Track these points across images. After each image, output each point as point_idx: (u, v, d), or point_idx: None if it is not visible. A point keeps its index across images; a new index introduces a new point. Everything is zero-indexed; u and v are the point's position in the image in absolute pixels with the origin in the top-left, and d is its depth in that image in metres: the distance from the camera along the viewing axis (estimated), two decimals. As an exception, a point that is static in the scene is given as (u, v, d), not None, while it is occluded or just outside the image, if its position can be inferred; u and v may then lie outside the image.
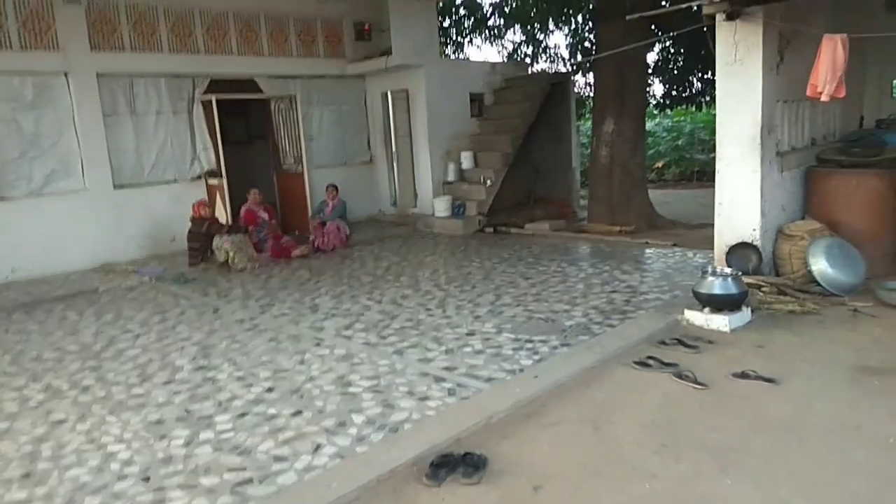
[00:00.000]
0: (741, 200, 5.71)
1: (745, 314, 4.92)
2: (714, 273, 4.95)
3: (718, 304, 4.87)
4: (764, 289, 5.35)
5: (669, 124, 18.59)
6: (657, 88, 15.25)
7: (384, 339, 5.18)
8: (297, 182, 10.47)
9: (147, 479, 3.27)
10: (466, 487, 2.96)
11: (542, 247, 8.74)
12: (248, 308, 6.43)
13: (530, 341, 4.90)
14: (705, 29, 5.86)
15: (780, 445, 3.19)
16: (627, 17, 6.12)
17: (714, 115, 5.98)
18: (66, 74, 8.46)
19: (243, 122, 12.23)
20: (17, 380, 4.80)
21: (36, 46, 8.21)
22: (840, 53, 4.90)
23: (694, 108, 15.96)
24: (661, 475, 2.99)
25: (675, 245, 8.22)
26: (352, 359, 4.77)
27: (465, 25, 17.71)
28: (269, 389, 4.30)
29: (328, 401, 4.05)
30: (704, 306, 4.94)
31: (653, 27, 9.97)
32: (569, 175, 11.84)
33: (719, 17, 5.50)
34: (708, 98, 14.41)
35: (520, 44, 17.69)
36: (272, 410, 3.96)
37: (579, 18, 16.08)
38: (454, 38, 17.80)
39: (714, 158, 5.90)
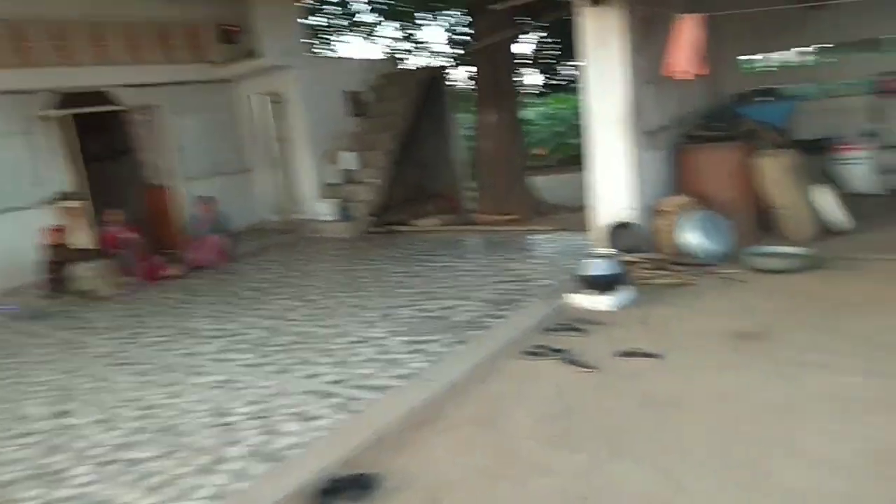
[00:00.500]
0: (615, 181, 5.82)
1: (627, 292, 5.00)
2: (594, 255, 5.00)
3: (601, 284, 4.92)
4: (644, 265, 5.48)
5: (549, 112, 19.09)
6: (536, 77, 15.63)
7: (267, 359, 4.85)
8: (166, 197, 9.78)
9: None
10: (357, 512, 2.76)
11: (433, 243, 8.63)
12: (113, 340, 5.87)
13: (424, 342, 4.75)
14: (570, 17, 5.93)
15: (671, 423, 3.20)
16: (490, 6, 6.08)
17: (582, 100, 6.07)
18: None
19: (105, 137, 11.29)
20: None
21: None
22: (697, 33, 5.07)
23: (570, 95, 16.47)
24: (560, 469, 2.92)
25: (561, 229, 8.35)
26: (231, 384, 4.41)
27: (338, 23, 17.33)
28: (136, 430, 3.88)
29: (203, 436, 3.69)
30: (589, 288, 4.98)
31: (522, 19, 10.09)
32: (453, 168, 11.81)
33: (584, 4, 5.57)
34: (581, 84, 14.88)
35: (396, 39, 17.53)
36: (139, 454, 3.57)
37: (455, 12, 16.14)
38: (328, 36, 17.38)
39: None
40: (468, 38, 15.45)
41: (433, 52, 17.41)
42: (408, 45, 17.30)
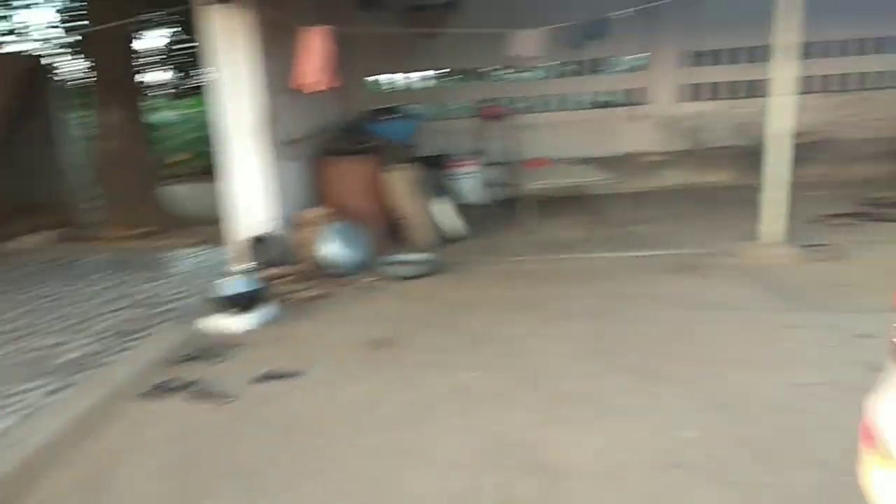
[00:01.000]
0: (252, 192, 5.58)
1: (268, 310, 4.81)
2: (233, 271, 4.68)
3: (239, 303, 4.63)
4: (285, 279, 5.35)
5: (183, 115, 17.81)
6: (168, 76, 14.37)
7: None
8: None
9: None
10: None
11: (39, 264, 7.21)
12: None
13: (13, 395, 3.83)
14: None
15: (310, 446, 3.09)
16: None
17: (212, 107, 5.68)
18: None
19: None
20: None
21: None
22: (324, 46, 5.11)
23: (203, 99, 15.57)
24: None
25: (201, 243, 7.75)
26: None
27: None
28: None
29: None
30: (226, 308, 4.64)
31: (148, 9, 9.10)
32: (67, 175, 10.12)
33: (208, 2, 5.18)
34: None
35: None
36: None
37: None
38: None
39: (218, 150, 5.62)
40: (83, 23, 13.47)
41: (38, 38, 14.75)
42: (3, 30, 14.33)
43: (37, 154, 9.84)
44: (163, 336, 4.55)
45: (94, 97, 8.90)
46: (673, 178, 8.60)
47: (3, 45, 14.07)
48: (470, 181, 8.16)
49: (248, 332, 4.55)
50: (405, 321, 4.62)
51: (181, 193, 10.42)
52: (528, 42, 5.70)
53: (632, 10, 5.68)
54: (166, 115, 15.80)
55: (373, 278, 5.58)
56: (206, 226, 8.87)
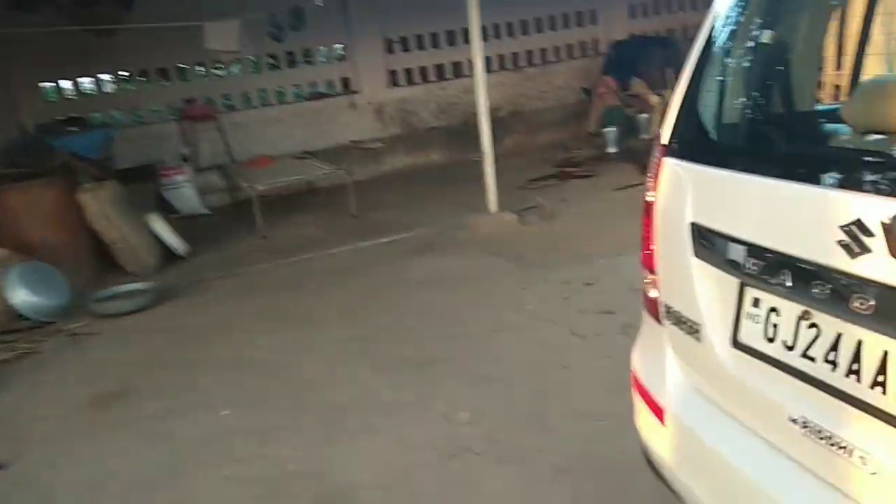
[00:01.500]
0: None
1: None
2: None
3: None
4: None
5: None
6: None
7: None
8: None
9: None
10: None
11: None
12: None
13: None
14: None
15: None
16: None
17: None
18: None
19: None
20: None
21: None
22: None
23: None
24: None
25: None
26: None
27: None
28: None
29: None
30: None
31: None
32: None
33: None
34: None
35: None
36: None
37: None
38: None
39: None
40: None
41: None
42: None
43: None
44: None
45: None
46: (394, 162, 8.79)
47: None
48: (184, 190, 7.36)
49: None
50: (136, 365, 3.96)
51: None
52: (223, 34, 5.23)
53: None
54: None
55: (83, 322, 4.69)
56: None
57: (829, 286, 1.07)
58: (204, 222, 7.13)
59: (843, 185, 1.06)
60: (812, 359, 1.13)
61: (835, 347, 1.11)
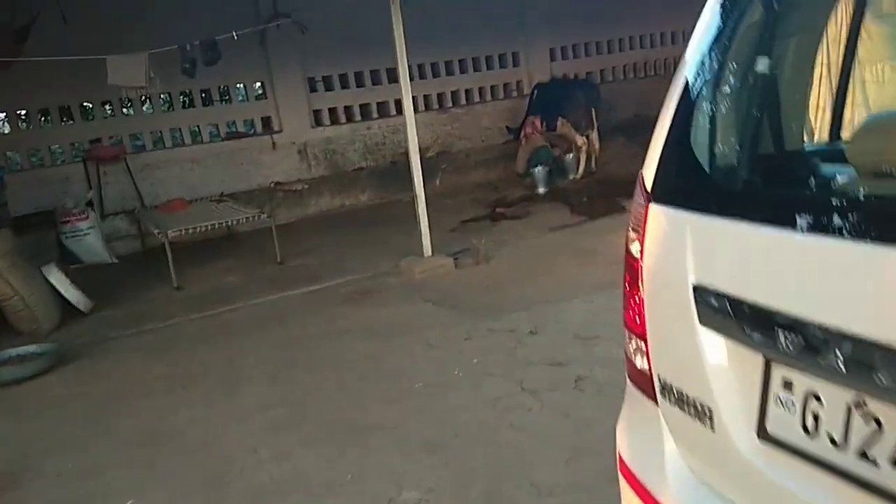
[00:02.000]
0: None
1: None
2: None
3: None
4: None
5: None
6: None
7: None
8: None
9: None
10: None
11: None
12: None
13: None
14: None
15: None
16: None
17: None
18: None
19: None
20: None
21: None
22: None
23: None
24: None
25: None
26: None
27: None
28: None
29: None
30: None
31: None
32: None
33: None
34: None
35: None
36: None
37: None
38: None
39: None
40: None
41: None
42: None
43: None
44: None
45: None
46: (320, 204, 8.44)
47: None
48: (88, 238, 6.74)
49: None
50: (24, 444, 3.41)
51: None
52: (128, 69, 4.81)
53: (236, 33, 5.18)
54: None
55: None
56: None
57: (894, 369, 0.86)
58: (111, 273, 6.54)
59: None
60: (873, 461, 0.91)
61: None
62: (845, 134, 1.34)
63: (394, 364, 3.78)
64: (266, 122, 8.39)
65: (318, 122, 8.58)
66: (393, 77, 8.59)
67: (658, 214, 1.29)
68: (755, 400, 1.08)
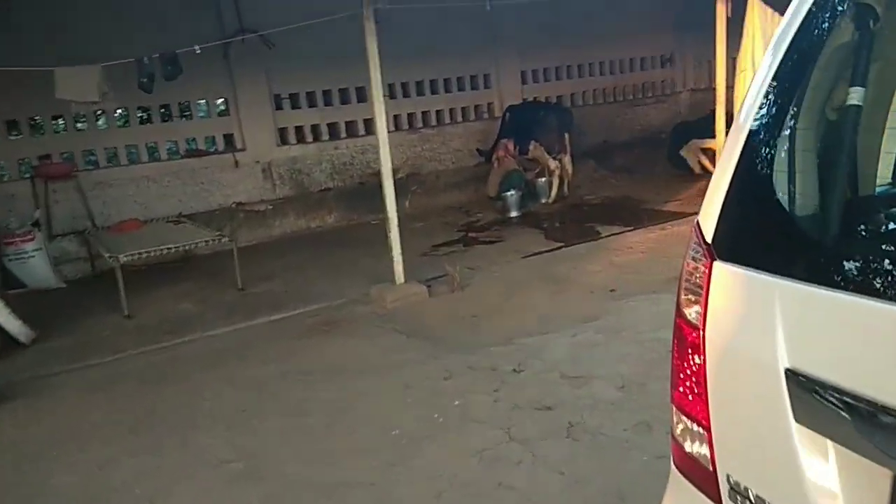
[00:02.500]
0: None
1: None
2: None
3: None
4: None
5: None
6: None
7: None
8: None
9: None
10: None
11: None
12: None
13: None
14: None
15: None
16: None
17: None
18: None
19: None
20: None
21: None
22: None
23: None
24: None
25: None
26: None
27: None
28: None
29: None
30: None
31: None
32: None
33: None
34: None
35: None
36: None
37: None
38: None
39: None
40: None
41: None
42: None
43: None
44: None
45: None
46: (284, 226, 8.07)
47: None
48: (34, 260, 6.27)
49: None
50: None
51: None
52: (79, 82, 4.44)
53: (199, 47, 4.85)
54: None
55: None
56: None
57: None
58: (57, 298, 6.08)
59: None
60: None
61: None
62: None
63: (367, 408, 3.46)
64: (228, 139, 8.02)
65: (283, 140, 8.24)
66: (362, 96, 8.37)
67: (728, 276, 1.04)
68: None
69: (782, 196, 1.02)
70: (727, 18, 6.59)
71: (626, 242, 6.27)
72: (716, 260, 1.07)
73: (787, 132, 1.03)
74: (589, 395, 3.25)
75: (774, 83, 1.06)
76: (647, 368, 3.49)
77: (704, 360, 1.09)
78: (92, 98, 4.47)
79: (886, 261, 0.90)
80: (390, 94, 8.61)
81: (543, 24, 9.14)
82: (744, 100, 1.10)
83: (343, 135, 8.58)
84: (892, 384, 0.81)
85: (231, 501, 2.76)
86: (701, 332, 1.09)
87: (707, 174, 8.57)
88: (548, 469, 2.68)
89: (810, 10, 1.03)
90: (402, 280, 5.29)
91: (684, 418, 1.18)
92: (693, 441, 1.16)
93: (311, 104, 8.39)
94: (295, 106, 8.31)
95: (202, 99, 8.06)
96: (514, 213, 7.87)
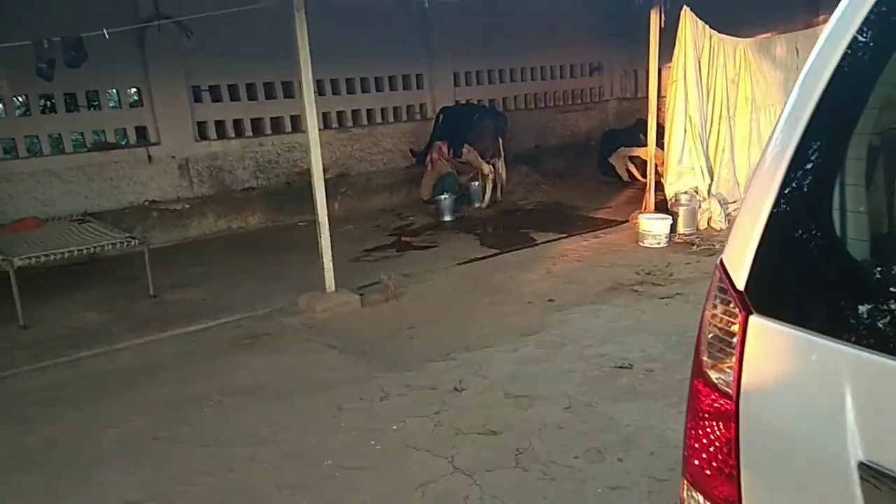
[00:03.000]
0: None
1: None
2: None
3: None
4: None
5: None
6: None
7: None
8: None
9: None
10: None
11: None
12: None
13: None
14: None
15: None
16: None
17: None
18: None
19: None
20: None
21: None
22: None
23: None
24: None
25: None
26: None
27: None
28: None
29: None
30: None
31: None
32: None
33: None
34: None
35: None
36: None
37: None
38: None
39: None
40: None
41: None
42: None
43: None
44: None
45: None
46: (203, 227, 7.56)
47: None
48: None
49: None
50: None
51: None
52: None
53: (107, 31, 4.33)
54: None
55: None
56: None
57: None
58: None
59: None
60: None
61: None
62: None
63: (295, 435, 3.15)
64: (141, 132, 7.44)
65: (202, 135, 7.73)
66: (289, 91, 7.96)
67: (772, 336, 0.85)
68: None
69: (848, 240, 0.83)
70: (660, 29, 6.66)
71: (560, 250, 6.19)
72: (752, 314, 0.88)
73: (853, 159, 0.86)
74: (535, 418, 3.08)
75: (822, 103, 0.89)
76: (592, 387, 3.36)
77: (736, 433, 0.91)
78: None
79: None
80: (319, 90, 8.25)
81: (477, 26, 9.02)
82: (777, 124, 0.93)
83: (268, 131, 8.14)
84: None
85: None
86: (733, 401, 0.91)
87: (634, 182, 8.74)
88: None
89: (869, 18, 0.85)
90: (333, 288, 5.00)
91: (700, 497, 0.99)
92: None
93: (234, 98, 7.92)
94: (216, 99, 7.81)
95: (112, 88, 7.44)
96: (447, 217, 7.69)
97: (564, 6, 9.06)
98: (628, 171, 8.88)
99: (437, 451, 2.88)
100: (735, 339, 0.89)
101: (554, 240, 6.52)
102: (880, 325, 0.78)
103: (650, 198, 6.80)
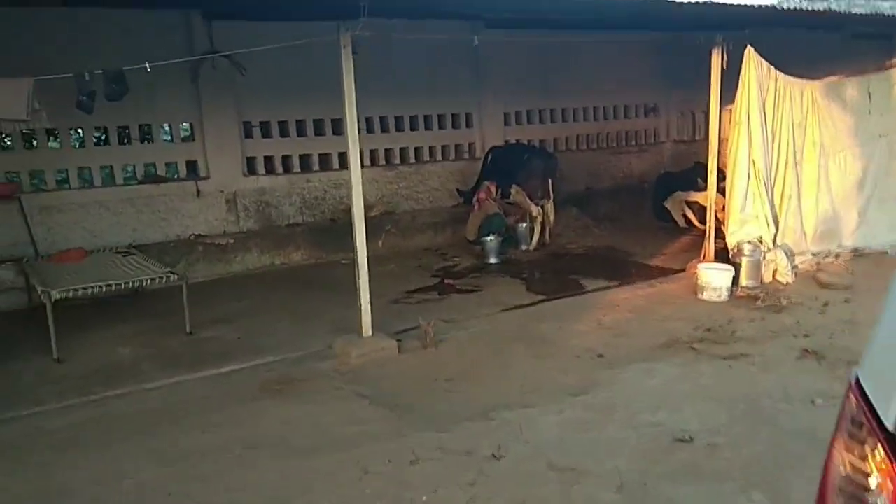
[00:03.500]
0: None
1: None
2: None
3: None
4: None
5: None
6: None
7: None
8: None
9: None
10: None
11: None
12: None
13: None
14: None
15: None
16: None
17: None
18: None
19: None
20: None
21: None
22: None
23: None
24: None
25: None
26: None
27: None
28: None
29: None
30: None
31: None
32: None
33: None
34: None
35: None
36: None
37: None
38: None
39: None
40: None
41: None
42: None
43: None
44: None
45: None
46: (246, 262, 7.50)
47: None
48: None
49: None
50: None
51: None
52: (5, 96, 3.90)
53: (149, 65, 4.26)
54: None
55: None
56: None
57: None
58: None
59: None
60: None
61: None
62: None
63: (316, 499, 2.90)
64: (192, 166, 7.49)
65: (251, 170, 7.73)
66: (338, 128, 7.89)
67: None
68: None
69: None
70: (721, 70, 6.36)
71: (612, 299, 5.84)
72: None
73: None
74: (582, 497, 2.74)
75: None
76: (646, 463, 3.01)
77: None
78: (19, 116, 3.93)
79: None
80: (368, 127, 8.20)
81: (529, 65, 8.88)
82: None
83: (316, 167, 8.10)
84: None
85: None
86: None
87: (691, 228, 8.33)
88: None
89: None
90: (370, 332, 4.79)
91: None
92: None
93: (284, 134, 7.92)
94: (266, 135, 7.83)
95: (166, 122, 7.54)
96: (493, 260, 7.43)
97: (619, 46, 8.83)
98: (685, 216, 8.46)
99: (470, 529, 2.58)
100: (880, 498, 0.61)
101: (604, 288, 6.17)
102: None
103: (709, 246, 6.40)
